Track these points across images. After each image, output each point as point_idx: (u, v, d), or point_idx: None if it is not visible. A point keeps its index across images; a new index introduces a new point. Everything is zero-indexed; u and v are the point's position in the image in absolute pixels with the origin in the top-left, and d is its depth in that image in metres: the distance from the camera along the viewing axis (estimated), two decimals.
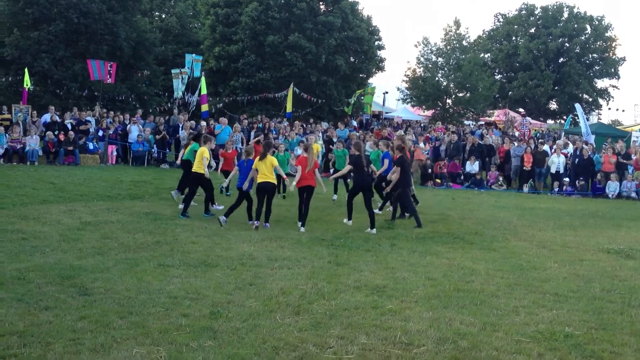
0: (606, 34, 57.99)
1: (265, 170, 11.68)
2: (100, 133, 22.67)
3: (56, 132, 21.22)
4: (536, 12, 59.74)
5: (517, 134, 32.02)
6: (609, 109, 61.79)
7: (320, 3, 37.23)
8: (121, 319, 6.01)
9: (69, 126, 21.99)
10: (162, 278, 7.54)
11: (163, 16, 42.83)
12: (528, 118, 40.43)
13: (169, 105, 32.44)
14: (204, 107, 27.43)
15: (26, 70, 25.30)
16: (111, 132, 22.84)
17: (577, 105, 30.48)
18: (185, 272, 7.88)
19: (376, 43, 39.84)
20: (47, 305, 6.30)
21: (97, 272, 7.62)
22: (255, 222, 11.62)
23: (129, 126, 23.40)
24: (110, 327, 5.77)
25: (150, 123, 24.45)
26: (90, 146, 22.02)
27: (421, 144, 23.80)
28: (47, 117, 22.61)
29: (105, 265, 8.00)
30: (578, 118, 28.95)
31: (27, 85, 24.66)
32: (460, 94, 39.94)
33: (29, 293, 6.67)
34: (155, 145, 23.33)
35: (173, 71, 29.08)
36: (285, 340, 5.65)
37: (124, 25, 32.40)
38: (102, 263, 8.12)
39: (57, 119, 22.38)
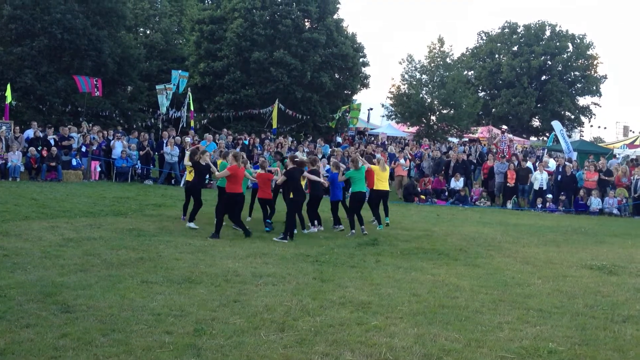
0: (588, 52, 58.87)
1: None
2: (84, 149, 22.51)
3: (39, 148, 21.07)
4: (519, 30, 60.55)
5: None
6: (591, 126, 62.80)
7: (305, 20, 37.41)
8: (104, 336, 5.95)
9: (52, 142, 21.83)
10: (145, 295, 7.47)
11: (148, 32, 42.73)
12: (509, 135, 40.60)
13: (153, 120, 32.36)
14: (191, 123, 27.53)
15: (8, 85, 25.13)
16: (94, 148, 22.70)
17: (555, 124, 29.94)
18: (169, 289, 7.81)
19: (361, 60, 40.03)
20: (28, 323, 6.21)
21: (80, 289, 7.54)
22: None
23: (112, 142, 23.27)
24: (93, 345, 5.70)
25: (134, 139, 24.35)
26: (73, 162, 21.85)
27: (402, 160, 23.88)
28: (29, 133, 22.43)
29: (88, 282, 7.91)
30: (557, 136, 28.98)
31: (8, 100, 24.49)
32: (444, 111, 40.19)
33: (9, 310, 6.58)
34: (139, 161, 23.21)
35: (157, 87, 29.07)
36: (270, 357, 5.62)
37: (109, 41, 32.28)
38: (84, 280, 8.04)
39: (40, 134, 22.22)
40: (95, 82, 28.03)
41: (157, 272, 8.73)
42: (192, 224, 13.24)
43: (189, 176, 14.77)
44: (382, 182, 14.52)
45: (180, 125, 29.07)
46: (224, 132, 27.43)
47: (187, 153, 14.79)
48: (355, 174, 13.85)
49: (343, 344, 6.05)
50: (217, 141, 23.74)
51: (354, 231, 13.62)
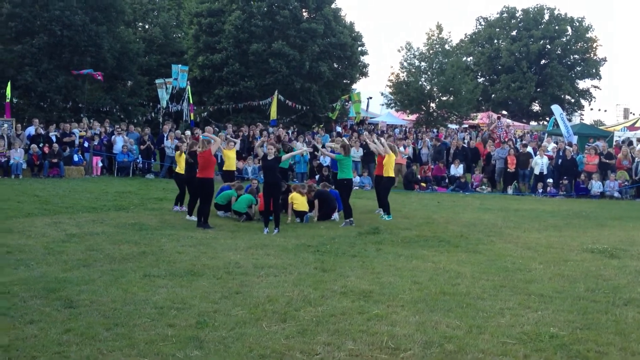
0: (587, 35, 58.54)
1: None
2: (86, 144, 22.56)
3: (41, 145, 21.12)
4: (517, 14, 60.22)
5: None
6: (591, 109, 62.71)
7: (303, 10, 37.26)
8: (107, 330, 6.00)
9: (54, 138, 21.88)
10: (148, 289, 7.52)
11: (146, 27, 42.57)
12: (507, 120, 40.39)
13: (153, 114, 32.36)
14: (191, 117, 27.56)
15: (9, 83, 25.11)
16: (96, 143, 22.74)
17: (554, 107, 29.92)
18: (171, 282, 7.86)
19: (359, 49, 39.87)
20: (32, 319, 6.27)
21: (83, 284, 7.59)
22: None
23: (113, 137, 23.31)
24: (96, 340, 5.76)
25: (134, 133, 24.36)
26: (75, 158, 21.89)
27: (401, 148, 23.79)
28: (31, 130, 22.48)
29: (91, 277, 7.97)
30: (557, 120, 28.95)
31: (8, 97, 24.48)
32: (444, 98, 40.05)
33: (13, 307, 6.64)
34: (140, 156, 23.26)
35: (157, 81, 29.08)
36: (272, 348, 5.66)
37: (108, 36, 32.17)
38: (87, 275, 8.09)
39: (42, 131, 22.27)
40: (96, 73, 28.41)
41: (160, 265, 8.78)
42: (192, 217, 13.34)
43: (178, 168, 14.86)
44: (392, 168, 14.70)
45: (184, 119, 29.16)
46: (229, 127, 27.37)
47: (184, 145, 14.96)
48: (343, 159, 13.86)
49: (345, 334, 6.09)
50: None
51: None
